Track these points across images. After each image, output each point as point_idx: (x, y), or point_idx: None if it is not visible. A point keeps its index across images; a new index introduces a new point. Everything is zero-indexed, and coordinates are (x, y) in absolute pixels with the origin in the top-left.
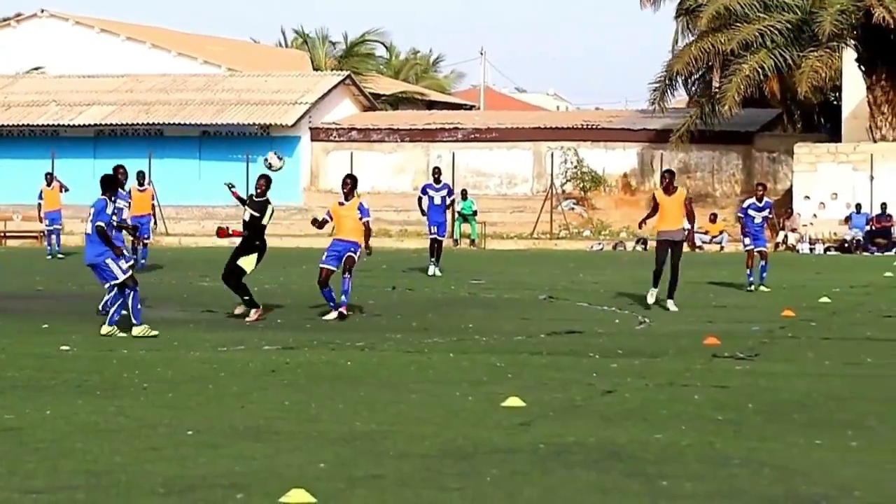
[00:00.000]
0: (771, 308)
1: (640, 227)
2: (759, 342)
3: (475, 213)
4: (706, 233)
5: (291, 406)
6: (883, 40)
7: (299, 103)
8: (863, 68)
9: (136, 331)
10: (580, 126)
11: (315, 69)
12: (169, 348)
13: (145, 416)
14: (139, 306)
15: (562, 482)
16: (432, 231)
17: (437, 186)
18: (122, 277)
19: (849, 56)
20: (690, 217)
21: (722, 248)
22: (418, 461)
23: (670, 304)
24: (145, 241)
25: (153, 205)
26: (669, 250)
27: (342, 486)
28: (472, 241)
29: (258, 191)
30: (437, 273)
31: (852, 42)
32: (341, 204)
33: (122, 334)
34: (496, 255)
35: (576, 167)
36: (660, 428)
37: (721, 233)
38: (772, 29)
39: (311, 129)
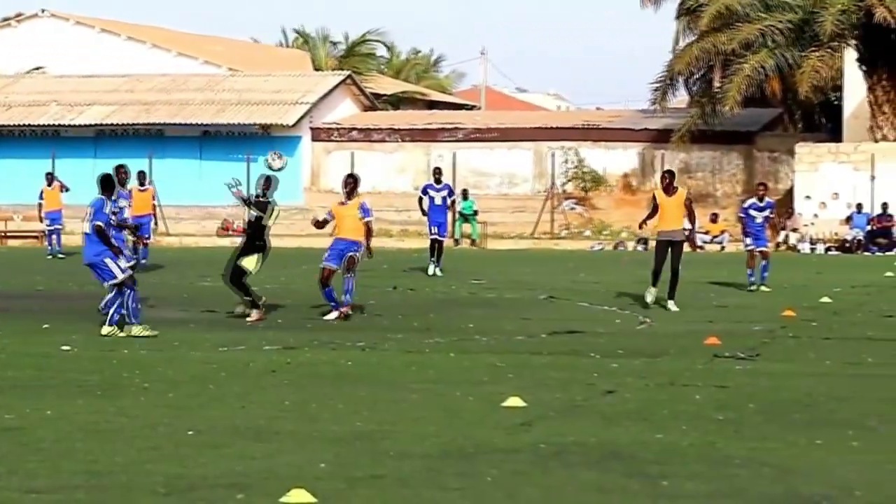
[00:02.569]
0: (772, 308)
1: (640, 227)
2: (759, 342)
3: (476, 212)
4: (707, 233)
5: (292, 406)
6: (883, 40)
7: (300, 103)
8: (864, 68)
9: (133, 330)
10: (581, 126)
11: (316, 69)
12: (170, 348)
13: (146, 415)
14: (138, 306)
15: (562, 482)
16: (433, 231)
17: (438, 187)
18: (120, 277)
19: (850, 56)
20: (691, 217)
21: (723, 248)
22: (419, 461)
23: (671, 304)
24: (146, 242)
25: (154, 205)
26: (669, 250)
27: (342, 485)
28: (473, 241)
29: (259, 191)
30: (438, 273)
31: (853, 42)
32: (342, 203)
33: (122, 334)
34: (497, 254)
35: (576, 167)
36: (660, 428)
37: (722, 233)
38: (773, 29)
39: (311, 129)
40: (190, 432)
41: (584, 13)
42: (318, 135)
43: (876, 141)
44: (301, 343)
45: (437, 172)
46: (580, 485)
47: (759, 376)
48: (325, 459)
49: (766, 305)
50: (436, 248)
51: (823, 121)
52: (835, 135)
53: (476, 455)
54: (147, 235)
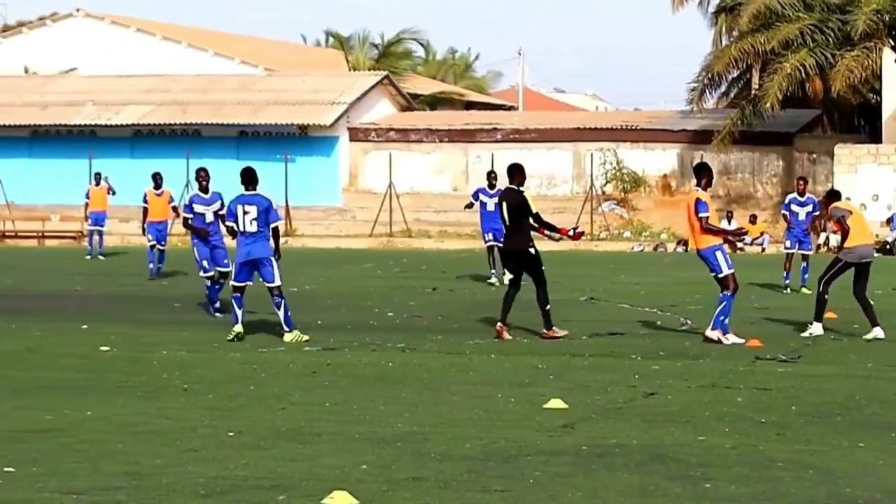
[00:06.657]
0: (813, 310)
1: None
2: (801, 344)
3: None
4: (746, 233)
5: (333, 407)
6: None
7: (337, 103)
8: None
9: (287, 337)
10: (619, 127)
11: (353, 70)
12: (209, 350)
13: (186, 417)
14: (289, 313)
15: (604, 485)
16: (488, 238)
17: (491, 192)
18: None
19: (888, 56)
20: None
21: (763, 249)
22: (461, 463)
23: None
24: (161, 248)
25: (172, 208)
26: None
27: (384, 487)
28: None
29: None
30: (498, 283)
31: (890, 42)
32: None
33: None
34: None
35: (615, 168)
36: (703, 430)
37: (762, 234)
38: (812, 28)
39: (349, 129)
40: (230, 433)
41: (623, 12)
42: (356, 135)
43: None
44: (341, 344)
45: (492, 177)
46: (623, 487)
47: (801, 379)
48: (367, 461)
49: (807, 307)
50: (496, 254)
51: (862, 122)
52: (874, 136)
53: (518, 457)
54: (163, 241)
